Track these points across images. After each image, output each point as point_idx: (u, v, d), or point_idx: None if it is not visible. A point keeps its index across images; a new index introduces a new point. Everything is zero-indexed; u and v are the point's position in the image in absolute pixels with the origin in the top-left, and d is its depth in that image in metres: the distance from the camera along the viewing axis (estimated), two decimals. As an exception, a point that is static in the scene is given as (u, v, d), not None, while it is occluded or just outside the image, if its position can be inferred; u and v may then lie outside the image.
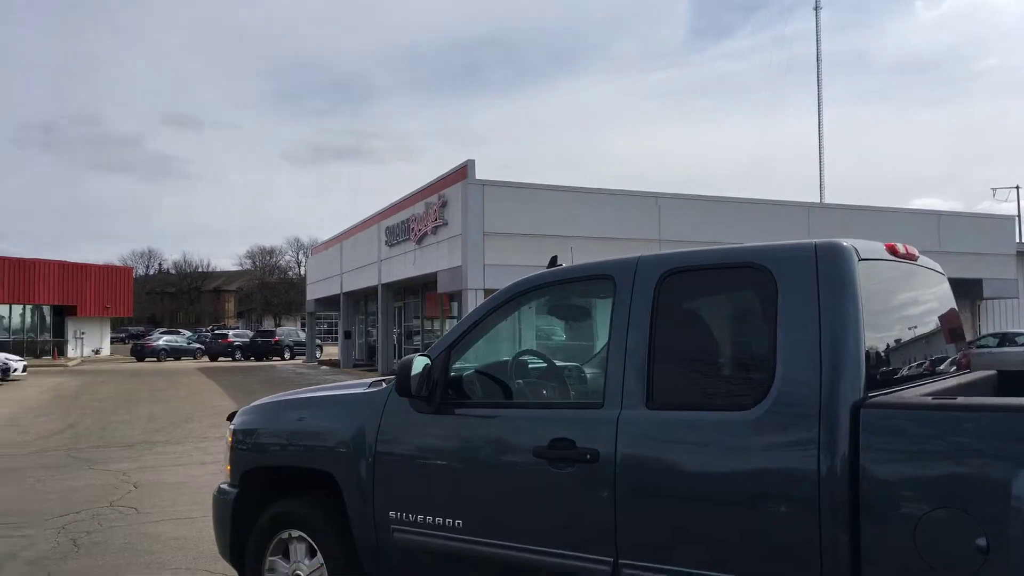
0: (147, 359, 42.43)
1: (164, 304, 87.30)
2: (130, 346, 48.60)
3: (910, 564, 2.36)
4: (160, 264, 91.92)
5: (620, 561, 2.87)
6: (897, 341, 3.04)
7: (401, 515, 3.48)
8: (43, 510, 7.13)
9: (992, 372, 3.77)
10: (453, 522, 3.33)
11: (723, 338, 3.06)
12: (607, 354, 3.10)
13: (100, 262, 56.96)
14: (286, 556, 3.92)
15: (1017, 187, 49.26)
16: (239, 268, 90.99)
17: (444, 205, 22.24)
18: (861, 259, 2.79)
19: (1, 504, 7.42)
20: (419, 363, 3.41)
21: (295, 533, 3.85)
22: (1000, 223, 27.51)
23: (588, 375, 3.46)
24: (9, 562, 5.50)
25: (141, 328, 70.83)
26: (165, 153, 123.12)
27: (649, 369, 2.97)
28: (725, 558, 2.67)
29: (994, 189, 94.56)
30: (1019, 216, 56.60)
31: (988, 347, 22.44)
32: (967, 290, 27.51)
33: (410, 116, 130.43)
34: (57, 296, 44.02)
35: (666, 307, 3.03)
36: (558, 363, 3.64)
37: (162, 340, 46.18)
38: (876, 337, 2.75)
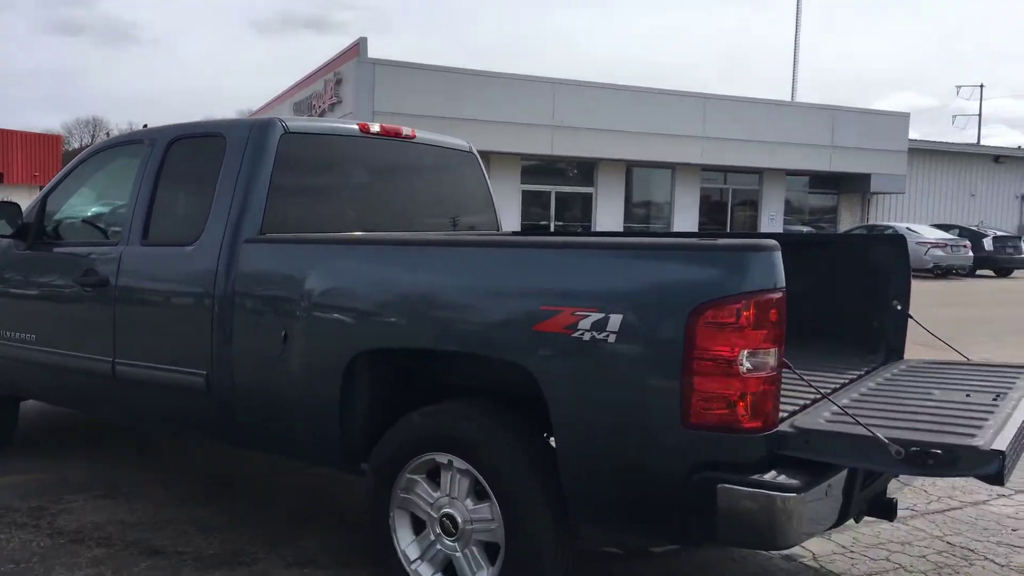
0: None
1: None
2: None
3: (261, 345, 3.24)
4: (107, 133, 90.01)
5: (116, 360, 3.78)
6: (315, 200, 3.85)
7: (3, 332, 4.35)
8: None
9: None
10: (28, 335, 4.21)
11: (189, 190, 3.85)
12: (130, 203, 3.91)
13: (39, 130, 55.83)
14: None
15: (982, 85, 50.07)
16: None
17: (339, 83, 22.46)
18: (289, 132, 3.58)
19: None
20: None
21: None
22: (893, 120, 28.37)
23: (120, 219, 4.26)
24: None
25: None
26: (119, 16, 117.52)
27: (147, 214, 3.80)
28: (170, 354, 3.57)
29: (958, 87, 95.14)
30: (980, 114, 57.50)
31: (858, 239, 23.77)
32: (856, 184, 28.72)
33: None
34: (-18, 163, 43.43)
35: (167, 166, 3.83)
36: (106, 209, 4.43)
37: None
38: (288, 194, 3.58)
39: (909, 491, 4.40)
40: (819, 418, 2.42)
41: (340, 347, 2.96)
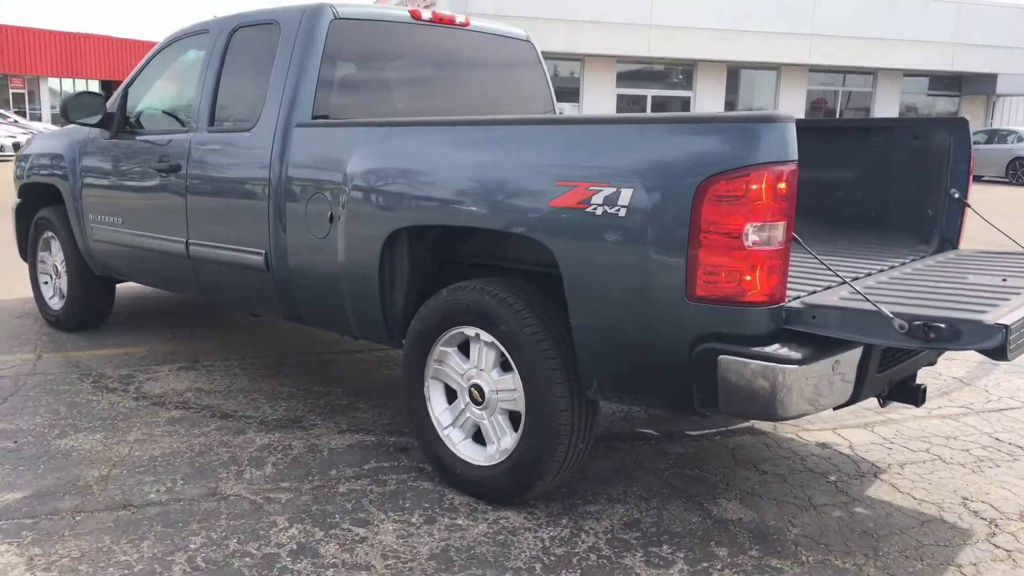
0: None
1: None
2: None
3: (311, 226, 3.42)
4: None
5: (189, 240, 4.05)
6: (365, 86, 3.92)
7: (93, 216, 4.71)
8: None
9: None
10: (116, 219, 4.54)
11: (248, 76, 3.98)
12: (198, 91, 4.11)
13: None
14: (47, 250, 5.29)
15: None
16: None
17: (432, -17, 22.20)
18: (338, 18, 3.65)
19: None
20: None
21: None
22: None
23: (190, 107, 4.45)
24: None
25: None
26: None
27: (213, 102, 3.99)
28: (233, 235, 3.80)
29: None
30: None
31: (977, 143, 22.21)
32: (980, 85, 26.64)
33: None
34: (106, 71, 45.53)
35: (230, 54, 3.99)
36: (179, 98, 4.63)
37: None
38: (339, 81, 3.67)
39: (969, 391, 4.31)
40: (834, 296, 2.40)
41: (376, 226, 3.10)
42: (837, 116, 26.76)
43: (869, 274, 2.86)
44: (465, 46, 4.26)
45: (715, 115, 2.30)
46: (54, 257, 5.26)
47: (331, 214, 3.29)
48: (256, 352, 4.91)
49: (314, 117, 3.55)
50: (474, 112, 4.20)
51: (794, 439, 3.60)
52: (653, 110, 24.59)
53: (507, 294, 2.77)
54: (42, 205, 5.26)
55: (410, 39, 4.02)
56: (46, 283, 5.42)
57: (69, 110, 4.41)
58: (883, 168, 3.57)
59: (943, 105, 28.23)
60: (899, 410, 3.87)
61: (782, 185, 2.21)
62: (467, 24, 4.21)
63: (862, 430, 3.69)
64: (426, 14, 4.03)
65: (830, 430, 3.69)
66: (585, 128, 2.58)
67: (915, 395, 2.85)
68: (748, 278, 2.23)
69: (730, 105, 25.55)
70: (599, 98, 23.56)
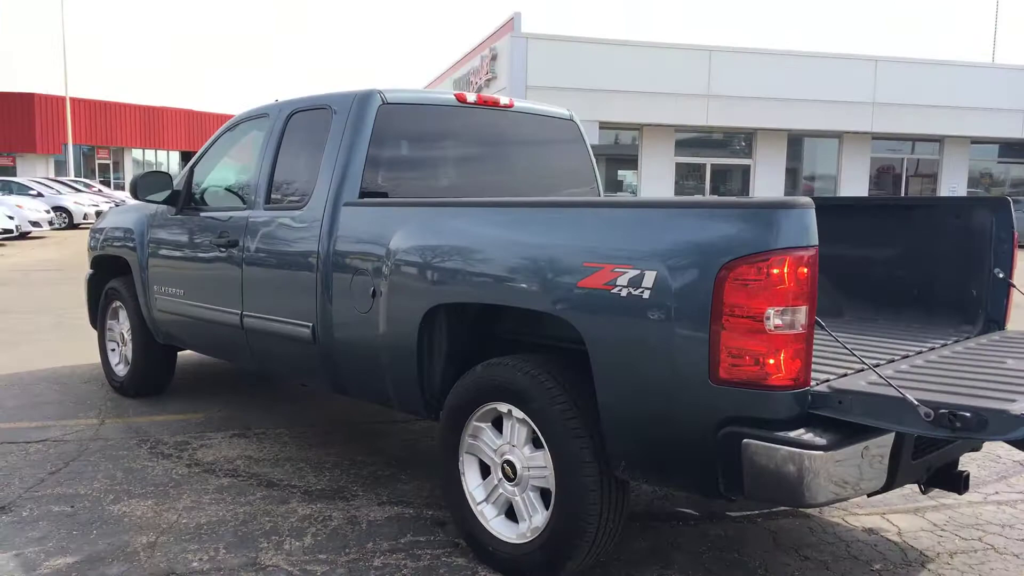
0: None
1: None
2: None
3: (355, 300, 3.55)
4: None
5: (244, 312, 4.23)
6: (411, 167, 4.08)
7: (158, 287, 4.96)
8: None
9: None
10: (178, 290, 4.77)
11: (303, 157, 4.18)
12: (257, 170, 4.34)
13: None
14: (117, 319, 5.57)
15: None
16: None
17: (494, 58, 22.89)
18: (387, 103, 3.84)
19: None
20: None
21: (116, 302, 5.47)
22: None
23: (249, 186, 4.68)
24: None
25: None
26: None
27: (270, 180, 4.21)
28: (284, 308, 3.96)
29: None
30: None
31: None
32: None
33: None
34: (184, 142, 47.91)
35: (287, 136, 4.21)
36: (240, 177, 4.87)
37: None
38: (386, 162, 3.85)
39: (1030, 475, 4.13)
40: (861, 380, 2.38)
41: (415, 301, 3.20)
42: (903, 183, 26.32)
43: (907, 356, 2.83)
44: (509, 126, 4.41)
45: (736, 200, 2.34)
46: (121, 326, 5.53)
47: (374, 289, 3.41)
48: (307, 420, 5.03)
49: (361, 196, 3.71)
50: (517, 190, 4.32)
51: (840, 523, 3.50)
52: (712, 178, 24.61)
53: (538, 371, 2.82)
54: (112, 276, 5.56)
55: (456, 120, 4.19)
56: (113, 350, 5.68)
57: (137, 188, 4.70)
58: (926, 246, 3.54)
59: (1018, 172, 27.53)
60: (952, 494, 3.74)
61: (803, 269, 2.23)
62: (511, 106, 4.37)
63: (912, 515, 3.57)
64: (471, 97, 4.20)
65: (878, 514, 3.58)
66: (611, 211, 2.65)
67: (957, 482, 2.76)
68: (771, 361, 2.24)
69: (791, 173, 25.39)
70: (658, 166, 23.70)
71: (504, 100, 4.35)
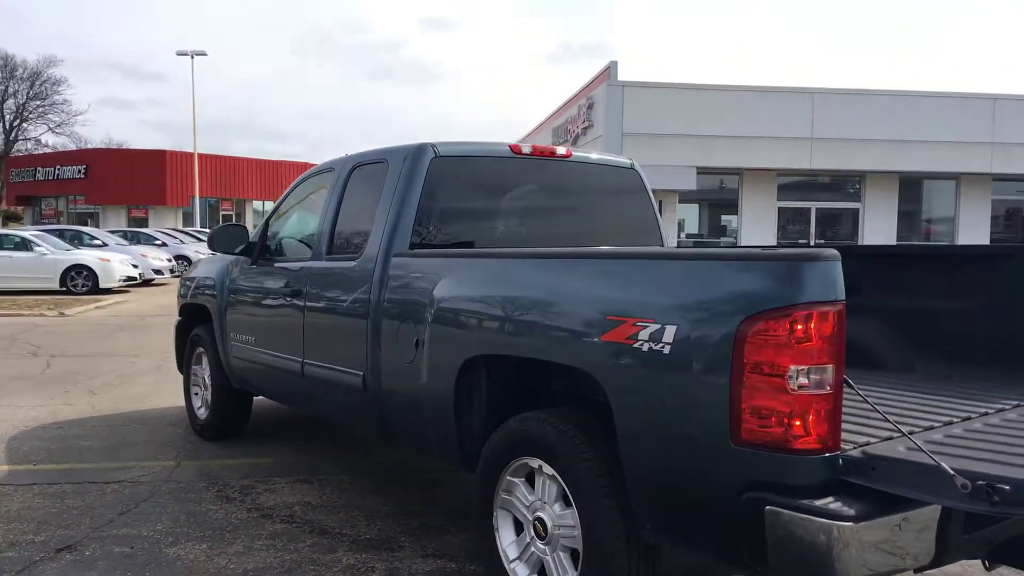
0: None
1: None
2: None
3: (402, 350, 3.56)
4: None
5: (304, 360, 4.33)
6: (464, 218, 4.09)
7: (233, 335, 5.15)
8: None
9: None
10: (250, 338, 4.94)
11: (361, 209, 4.26)
12: (321, 222, 4.47)
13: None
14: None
15: None
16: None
17: (591, 107, 23.02)
18: (439, 156, 3.90)
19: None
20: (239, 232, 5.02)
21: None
22: None
23: (314, 237, 4.80)
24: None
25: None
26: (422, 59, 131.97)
27: (332, 232, 4.32)
28: (340, 356, 4.03)
29: None
30: None
31: None
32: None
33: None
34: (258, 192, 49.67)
35: (348, 189, 4.33)
36: (308, 228, 5.00)
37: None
38: (438, 213, 3.88)
39: None
40: (901, 446, 2.19)
41: (452, 352, 3.19)
42: (1030, 226, 24.65)
43: (968, 418, 2.59)
44: (567, 176, 4.39)
45: (758, 252, 2.22)
46: (204, 371, 5.76)
47: (417, 339, 3.42)
48: (369, 468, 5.06)
49: (413, 247, 3.76)
50: (574, 241, 4.27)
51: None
52: (818, 224, 23.76)
53: (567, 426, 2.74)
54: (197, 323, 5.82)
55: (511, 172, 4.20)
56: (196, 394, 5.92)
57: (213, 241, 4.93)
58: (1005, 298, 3.26)
59: None
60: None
61: (830, 325, 2.09)
62: (568, 156, 4.35)
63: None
64: (526, 148, 4.21)
65: (957, 590, 3.26)
66: (634, 263, 2.57)
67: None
68: (796, 423, 2.09)
69: (906, 216, 24.24)
70: (760, 211, 23.08)
71: (561, 150, 4.34)
